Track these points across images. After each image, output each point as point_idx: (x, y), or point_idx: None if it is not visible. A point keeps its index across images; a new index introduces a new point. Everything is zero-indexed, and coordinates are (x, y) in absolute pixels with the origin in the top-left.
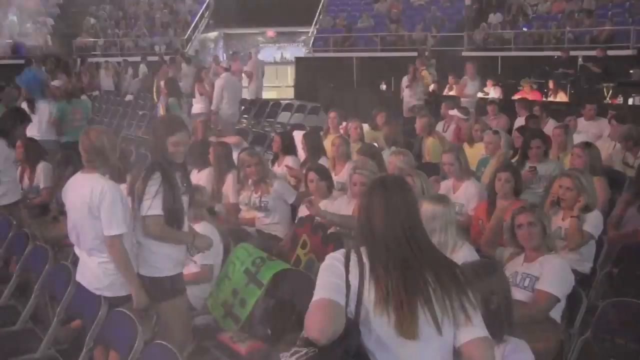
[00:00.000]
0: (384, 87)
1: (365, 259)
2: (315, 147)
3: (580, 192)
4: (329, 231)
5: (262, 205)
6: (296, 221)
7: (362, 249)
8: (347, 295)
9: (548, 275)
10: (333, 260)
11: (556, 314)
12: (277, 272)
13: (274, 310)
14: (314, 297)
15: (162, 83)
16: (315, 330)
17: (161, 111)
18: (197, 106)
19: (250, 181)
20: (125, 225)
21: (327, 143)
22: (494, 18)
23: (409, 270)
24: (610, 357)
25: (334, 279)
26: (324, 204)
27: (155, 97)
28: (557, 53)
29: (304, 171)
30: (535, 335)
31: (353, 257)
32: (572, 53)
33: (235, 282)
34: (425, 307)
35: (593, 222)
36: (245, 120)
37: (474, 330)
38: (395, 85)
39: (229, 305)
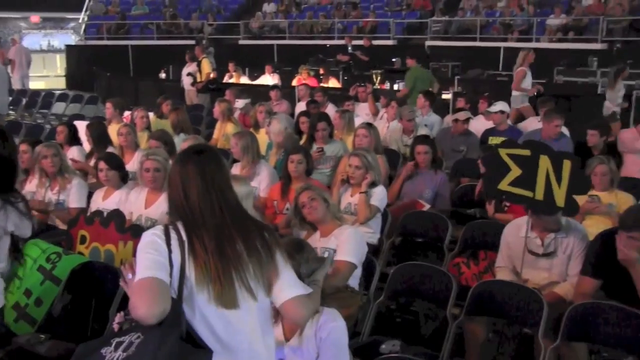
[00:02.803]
0: (163, 75)
1: (184, 236)
2: (100, 137)
3: (368, 169)
4: None
5: (60, 203)
6: (67, 225)
7: (179, 224)
8: (171, 274)
9: (344, 246)
10: (154, 237)
11: (354, 282)
12: (75, 267)
13: (73, 306)
14: (137, 276)
15: None
16: (143, 309)
17: None
18: None
19: (44, 177)
20: None
21: (112, 132)
22: (269, 7)
23: (223, 240)
24: (401, 316)
25: (156, 256)
26: (118, 195)
27: None
28: (330, 42)
29: (92, 162)
30: (340, 302)
31: (173, 235)
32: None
33: (28, 281)
34: (239, 275)
35: (379, 197)
36: (13, 112)
37: (289, 289)
38: (175, 73)
39: (22, 307)
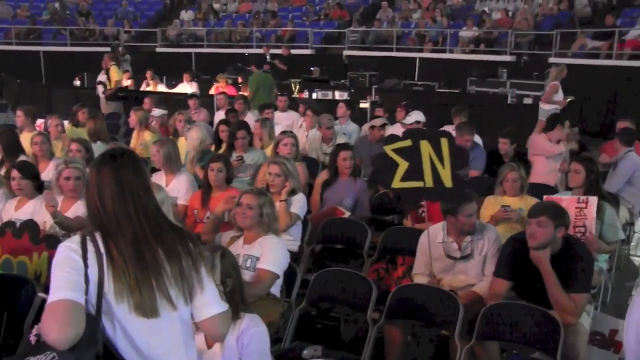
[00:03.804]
0: (78, 82)
1: (101, 247)
2: (12, 146)
3: (287, 177)
4: None
5: None
6: None
7: (97, 235)
8: (87, 291)
9: (268, 255)
10: (69, 252)
11: (276, 289)
12: None
13: None
14: (50, 297)
15: None
16: (55, 334)
17: None
18: None
19: None
20: None
21: (24, 141)
22: (186, 15)
23: (141, 247)
24: (322, 321)
25: (71, 275)
26: (32, 204)
27: None
28: (248, 50)
29: (2, 171)
30: (261, 310)
31: (90, 247)
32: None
33: None
34: (159, 284)
35: (299, 204)
36: None
37: (210, 307)
38: (90, 80)
39: None
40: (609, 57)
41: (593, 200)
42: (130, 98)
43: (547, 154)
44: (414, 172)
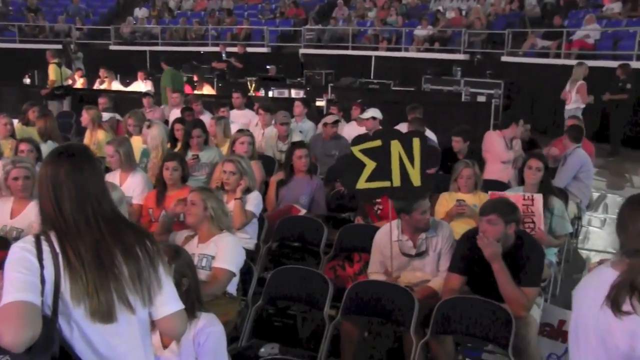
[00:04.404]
0: (27, 80)
1: (57, 247)
2: None
3: (242, 175)
4: None
5: None
6: None
7: (52, 234)
8: (43, 292)
9: (223, 253)
10: (24, 252)
11: (232, 288)
12: None
13: None
14: (4, 299)
15: None
16: (9, 337)
17: None
18: None
19: None
20: None
21: None
22: (140, 12)
23: (100, 251)
24: (280, 319)
25: (26, 275)
26: None
27: None
28: (204, 48)
29: None
30: (218, 309)
31: (45, 247)
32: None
33: None
34: (117, 289)
35: (254, 202)
36: None
37: (168, 305)
38: (41, 78)
39: None
40: (557, 56)
41: (538, 197)
42: (76, 96)
43: (500, 159)
44: (382, 171)
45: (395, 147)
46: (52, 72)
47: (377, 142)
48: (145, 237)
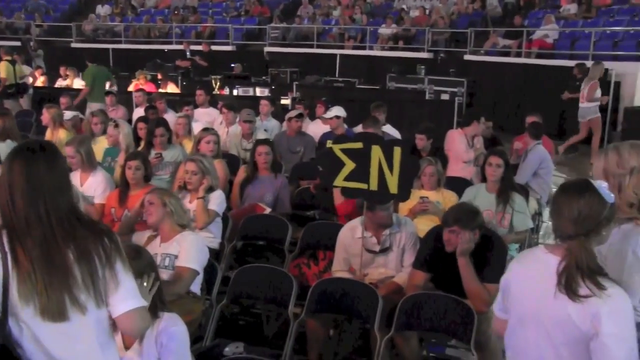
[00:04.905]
0: None
1: (6, 246)
2: None
3: (205, 174)
4: None
5: None
6: None
7: (4, 233)
8: None
9: (186, 252)
10: None
11: (196, 287)
12: None
13: None
14: None
15: None
16: None
17: None
18: None
19: None
20: None
21: None
22: (103, 9)
23: (49, 249)
24: (244, 318)
25: None
26: None
27: None
28: (168, 46)
29: None
30: (182, 308)
31: None
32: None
33: None
34: (67, 287)
35: (217, 201)
36: None
37: (125, 303)
38: None
39: None
40: (518, 55)
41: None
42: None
43: (461, 158)
44: (360, 173)
45: (376, 152)
46: (3, 70)
47: (359, 144)
48: (103, 235)
